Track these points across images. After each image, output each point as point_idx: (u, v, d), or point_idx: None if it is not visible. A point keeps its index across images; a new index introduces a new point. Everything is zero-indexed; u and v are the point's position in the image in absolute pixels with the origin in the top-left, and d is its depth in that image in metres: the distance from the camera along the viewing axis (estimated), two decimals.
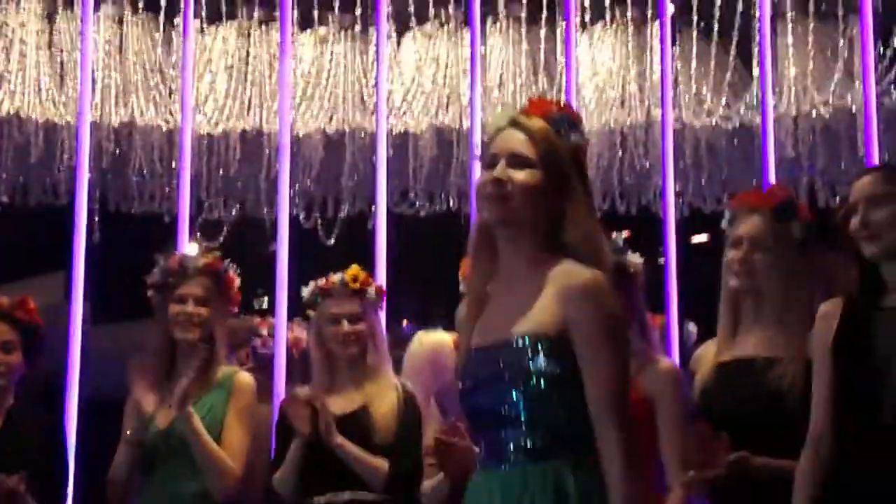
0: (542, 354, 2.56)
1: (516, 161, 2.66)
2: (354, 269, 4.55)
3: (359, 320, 4.45)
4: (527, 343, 2.58)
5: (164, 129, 10.65)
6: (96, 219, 10.71)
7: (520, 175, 2.64)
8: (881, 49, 9.36)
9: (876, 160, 7.65)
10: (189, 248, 8.19)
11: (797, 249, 3.62)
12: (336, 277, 4.51)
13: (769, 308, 3.59)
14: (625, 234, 4.08)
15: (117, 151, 10.83)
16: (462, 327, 2.82)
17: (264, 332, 6.01)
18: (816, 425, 3.18)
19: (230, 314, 4.68)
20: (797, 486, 3.16)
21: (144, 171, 11.00)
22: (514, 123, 2.71)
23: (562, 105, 2.81)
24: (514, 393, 2.58)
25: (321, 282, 4.53)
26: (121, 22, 10.41)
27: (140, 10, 10.39)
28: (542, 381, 2.56)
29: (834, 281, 3.49)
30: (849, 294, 3.22)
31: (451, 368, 4.87)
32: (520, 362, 2.58)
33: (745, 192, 3.85)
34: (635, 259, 4.06)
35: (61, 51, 10.27)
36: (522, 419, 2.58)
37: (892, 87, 9.76)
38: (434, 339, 5.20)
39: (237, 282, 4.56)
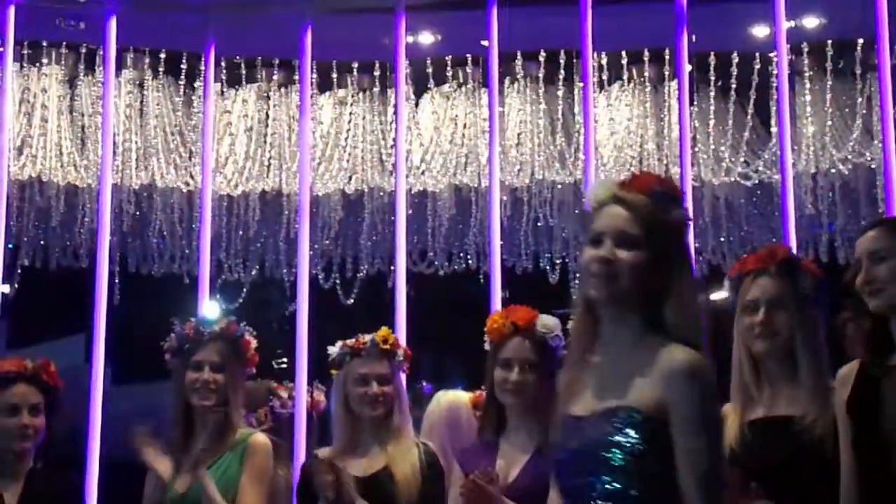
0: (634, 429, 2.60)
1: (622, 240, 2.69)
2: (385, 330, 4.54)
3: (387, 382, 4.44)
4: (621, 416, 2.62)
5: (185, 190, 10.72)
6: (117, 281, 10.77)
7: (626, 255, 2.68)
8: None
9: None
10: (208, 308, 8.22)
11: (811, 303, 3.62)
12: (367, 338, 4.50)
13: (793, 366, 3.57)
14: None
15: (138, 214, 10.90)
16: (560, 395, 2.85)
17: (283, 393, 5.99)
18: (844, 491, 3.17)
19: (247, 377, 4.68)
20: None
21: (165, 233, 11.05)
22: (618, 199, 2.73)
23: (664, 180, 2.83)
24: (603, 464, 2.60)
25: (351, 341, 4.52)
26: (141, 86, 10.51)
27: (161, 75, 10.49)
28: (631, 456, 2.59)
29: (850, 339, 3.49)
30: (864, 355, 3.23)
31: (467, 427, 4.90)
32: (611, 434, 2.62)
33: (745, 256, 3.86)
34: None
35: (82, 115, 10.37)
36: (609, 490, 2.60)
37: None
38: (451, 399, 5.20)
39: (253, 344, 4.57)
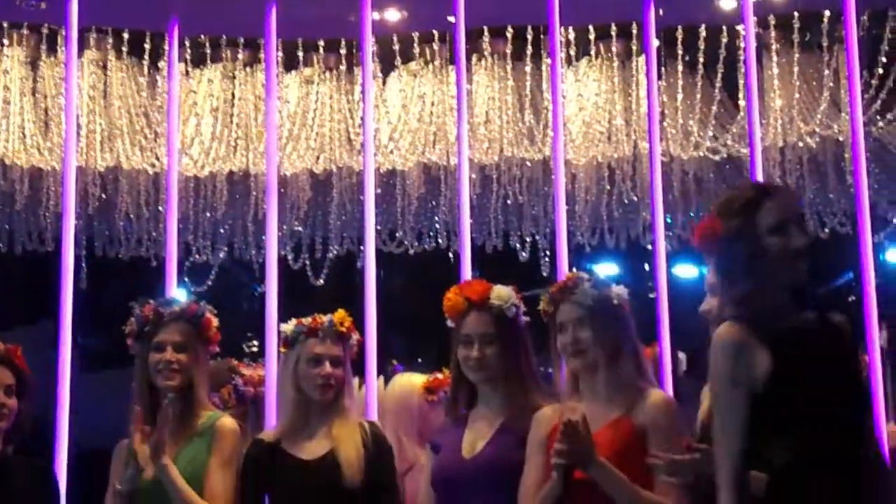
0: None
1: None
2: (341, 313, 4.50)
3: (340, 365, 4.40)
4: None
5: (150, 172, 10.61)
6: (83, 265, 10.67)
7: None
8: (867, 78, 9.35)
9: (864, 189, 7.63)
10: (176, 293, 8.15)
11: None
12: (324, 318, 4.46)
13: None
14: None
15: (103, 196, 10.79)
16: None
17: (245, 371, 5.94)
18: None
19: (211, 356, 4.64)
20: None
21: (131, 216, 10.95)
22: None
23: None
24: None
25: (307, 320, 4.47)
26: (105, 67, 10.38)
27: (124, 55, 10.36)
28: None
29: None
30: None
31: (419, 412, 4.95)
32: None
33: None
34: (619, 290, 4.06)
35: (45, 97, 10.23)
36: None
37: (878, 116, 9.76)
38: (403, 383, 5.20)
39: (215, 323, 4.53)
